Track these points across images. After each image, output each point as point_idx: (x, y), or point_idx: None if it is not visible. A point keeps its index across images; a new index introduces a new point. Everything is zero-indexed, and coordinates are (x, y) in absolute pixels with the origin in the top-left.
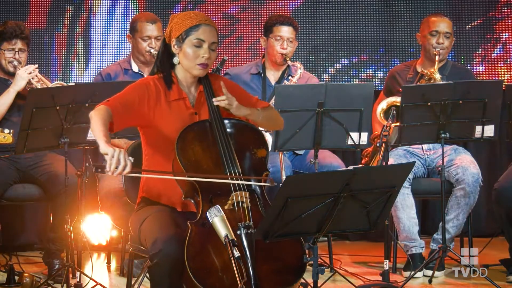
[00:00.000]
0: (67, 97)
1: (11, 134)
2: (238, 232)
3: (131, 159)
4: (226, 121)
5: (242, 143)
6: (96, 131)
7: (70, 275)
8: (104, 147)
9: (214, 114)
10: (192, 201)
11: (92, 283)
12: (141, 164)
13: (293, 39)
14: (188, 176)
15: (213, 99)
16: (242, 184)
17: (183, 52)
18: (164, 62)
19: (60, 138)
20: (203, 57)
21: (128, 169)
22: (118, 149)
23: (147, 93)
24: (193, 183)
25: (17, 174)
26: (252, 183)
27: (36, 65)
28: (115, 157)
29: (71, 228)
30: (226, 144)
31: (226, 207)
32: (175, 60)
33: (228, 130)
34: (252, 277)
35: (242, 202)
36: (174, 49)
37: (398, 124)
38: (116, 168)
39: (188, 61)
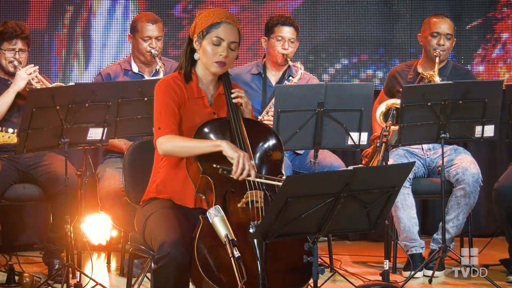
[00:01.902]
0: (67, 97)
1: (15, 134)
2: (250, 230)
3: (252, 162)
4: (244, 121)
5: (258, 144)
6: (201, 144)
7: (70, 275)
8: (229, 151)
9: (233, 112)
10: (204, 197)
11: (92, 283)
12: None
13: (294, 40)
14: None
15: (233, 90)
16: (258, 184)
17: (203, 49)
18: (187, 57)
19: (60, 138)
20: (221, 55)
21: (253, 173)
22: (243, 154)
23: (175, 94)
24: (208, 179)
25: (17, 174)
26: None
27: (37, 66)
28: (240, 162)
29: (71, 228)
30: (243, 143)
31: (239, 205)
32: (196, 56)
33: (246, 129)
34: (260, 277)
35: (256, 201)
36: (196, 44)
37: (397, 127)
38: (241, 174)
39: (206, 58)
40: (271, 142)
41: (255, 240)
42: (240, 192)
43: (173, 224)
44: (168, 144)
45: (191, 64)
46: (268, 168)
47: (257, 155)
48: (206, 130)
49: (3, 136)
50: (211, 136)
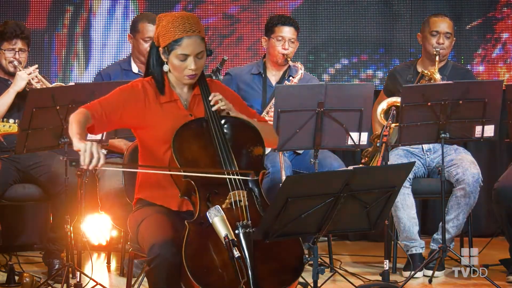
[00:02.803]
0: (67, 97)
1: (16, 124)
2: (237, 231)
3: (104, 151)
4: (222, 119)
5: (238, 141)
6: (70, 131)
7: (70, 275)
8: (76, 143)
9: (210, 111)
10: (189, 200)
11: (92, 283)
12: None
13: (294, 40)
14: (170, 170)
15: (210, 97)
16: (240, 183)
17: (171, 63)
18: (154, 65)
19: (60, 138)
20: (190, 69)
21: (102, 161)
22: (90, 143)
23: (134, 97)
24: (190, 182)
25: (17, 174)
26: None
27: (36, 66)
28: (87, 150)
29: (71, 228)
30: (223, 142)
31: (223, 206)
32: (165, 67)
33: (225, 127)
34: (251, 277)
35: (240, 201)
36: (163, 57)
37: (397, 124)
38: (90, 162)
39: (176, 72)
40: (251, 138)
41: (243, 240)
42: (223, 193)
43: (163, 226)
44: (74, 115)
45: (160, 69)
46: (250, 164)
47: (238, 152)
48: (185, 132)
49: (3, 126)
50: (191, 138)
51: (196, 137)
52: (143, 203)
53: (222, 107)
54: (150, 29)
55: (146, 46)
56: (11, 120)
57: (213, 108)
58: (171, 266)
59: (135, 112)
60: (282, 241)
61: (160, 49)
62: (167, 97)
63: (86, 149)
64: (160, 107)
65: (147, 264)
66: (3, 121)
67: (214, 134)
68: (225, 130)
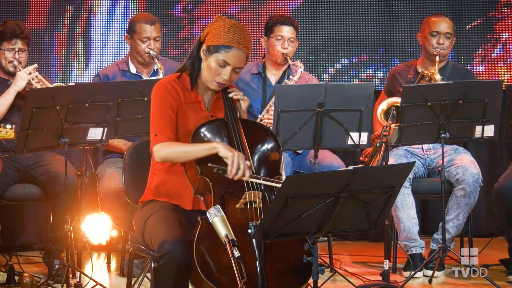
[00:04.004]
0: (67, 97)
1: (13, 130)
2: (249, 231)
3: (248, 163)
4: (241, 121)
5: (256, 145)
6: (196, 148)
7: (70, 275)
8: (224, 151)
9: (230, 112)
10: (202, 198)
11: (92, 283)
12: (142, 165)
13: (294, 39)
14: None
15: (229, 89)
16: (256, 184)
17: (207, 63)
18: (195, 62)
19: (60, 138)
20: (223, 77)
21: (247, 174)
22: (237, 153)
23: (173, 98)
24: (207, 180)
25: (17, 174)
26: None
27: (36, 65)
28: (235, 161)
29: (71, 228)
30: (241, 144)
31: (238, 205)
32: (202, 64)
33: (243, 130)
34: (259, 277)
35: (255, 202)
36: (203, 54)
37: (397, 124)
38: (236, 173)
39: (208, 74)
40: (269, 142)
41: (254, 241)
42: (238, 193)
43: (173, 223)
44: (165, 151)
45: (198, 68)
46: (266, 169)
47: (255, 155)
48: (203, 131)
49: (0, 131)
50: (209, 137)
51: (214, 137)
52: (153, 201)
53: (236, 97)
54: (147, 30)
55: (143, 46)
56: (8, 126)
57: (230, 95)
58: (181, 265)
59: (176, 113)
60: (292, 243)
61: (204, 45)
62: (193, 98)
63: (234, 159)
64: (186, 107)
65: (155, 261)
66: (0, 127)
67: (233, 135)
68: (244, 133)
